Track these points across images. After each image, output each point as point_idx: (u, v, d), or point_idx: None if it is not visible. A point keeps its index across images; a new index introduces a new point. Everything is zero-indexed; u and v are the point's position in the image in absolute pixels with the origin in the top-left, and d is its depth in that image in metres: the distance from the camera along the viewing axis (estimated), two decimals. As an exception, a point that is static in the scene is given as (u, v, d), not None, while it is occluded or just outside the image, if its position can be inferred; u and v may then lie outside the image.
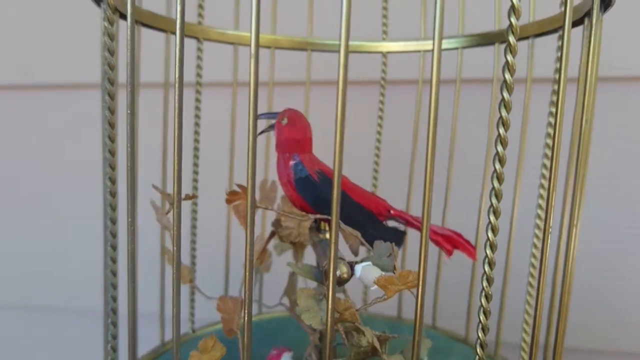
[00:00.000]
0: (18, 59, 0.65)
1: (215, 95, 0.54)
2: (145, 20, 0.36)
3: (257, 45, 0.21)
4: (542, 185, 0.37)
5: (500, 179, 0.22)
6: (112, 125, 0.26)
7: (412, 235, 0.38)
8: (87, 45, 0.58)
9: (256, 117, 0.24)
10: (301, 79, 0.50)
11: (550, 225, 0.23)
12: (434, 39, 0.21)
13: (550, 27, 0.36)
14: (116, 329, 0.30)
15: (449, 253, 0.37)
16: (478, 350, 0.23)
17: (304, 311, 0.29)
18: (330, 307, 0.23)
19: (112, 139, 0.26)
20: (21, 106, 0.68)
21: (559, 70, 0.25)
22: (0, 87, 0.68)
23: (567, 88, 0.24)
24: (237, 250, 0.39)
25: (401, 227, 0.38)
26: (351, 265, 0.30)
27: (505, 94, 0.21)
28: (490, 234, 0.22)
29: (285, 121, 0.35)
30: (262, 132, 0.36)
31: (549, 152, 0.36)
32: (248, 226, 0.23)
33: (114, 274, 0.27)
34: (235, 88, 0.45)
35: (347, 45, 0.21)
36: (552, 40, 0.38)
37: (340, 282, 0.29)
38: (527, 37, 0.38)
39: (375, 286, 0.29)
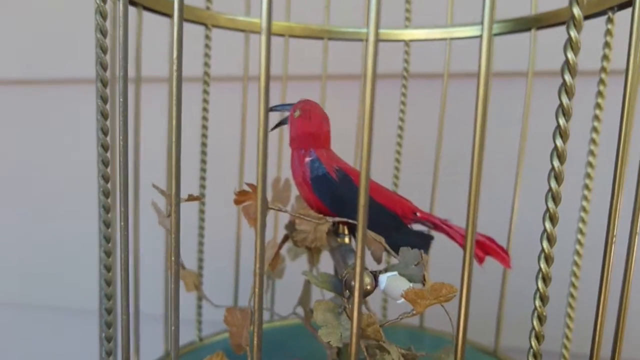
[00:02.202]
0: (20, 53, 0.63)
1: (224, 88, 0.51)
2: (147, 3, 0.33)
3: (269, 22, 0.18)
4: (586, 186, 0.33)
5: (558, 179, 0.18)
6: (105, 115, 0.23)
7: (438, 239, 0.34)
8: (88, 39, 0.55)
9: (267, 109, 0.20)
10: (317, 72, 0.46)
11: (615, 234, 0.20)
12: (483, 24, 0.17)
13: (597, 9, 0.32)
14: (112, 344, 0.27)
15: (481, 260, 0.33)
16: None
17: (322, 327, 0.26)
18: (355, 327, 0.20)
19: (104, 132, 0.23)
20: (22, 101, 0.65)
21: (627, 60, 0.22)
22: (2, 82, 0.65)
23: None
24: (247, 254, 0.36)
25: (427, 230, 0.34)
26: (375, 276, 0.26)
27: (568, 77, 0.18)
28: (545, 244, 0.19)
29: (298, 113, 0.31)
30: (275, 127, 0.33)
31: (594, 149, 0.33)
32: (258, 232, 0.20)
33: (108, 283, 0.24)
34: (245, 80, 0.41)
35: (376, 34, 0.17)
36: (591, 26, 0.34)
37: (364, 294, 0.26)
38: (562, 23, 0.35)
39: (402, 300, 0.25)
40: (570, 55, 0.18)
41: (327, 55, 0.44)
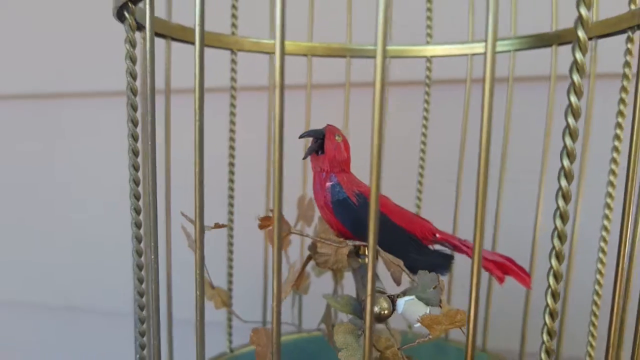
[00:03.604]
0: (43, 67, 0.66)
1: (252, 104, 0.53)
2: (176, 35, 0.35)
3: (282, 64, 0.19)
4: (609, 194, 0.33)
5: (568, 177, 0.18)
6: (135, 138, 0.24)
7: (460, 259, 0.35)
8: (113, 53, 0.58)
9: (281, 143, 0.21)
10: (340, 82, 0.47)
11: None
12: (486, 42, 0.18)
13: (617, 29, 0.32)
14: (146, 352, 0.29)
15: (501, 280, 0.34)
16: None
17: (341, 349, 0.27)
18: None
19: (135, 153, 0.24)
20: (47, 114, 0.69)
21: None
22: (25, 96, 0.69)
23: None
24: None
25: (447, 250, 0.35)
26: (393, 300, 0.27)
27: (574, 99, 0.18)
28: (554, 262, 0.19)
29: (340, 138, 0.32)
30: (307, 154, 0.33)
31: (617, 156, 0.33)
32: (275, 263, 0.21)
33: (141, 294, 0.26)
34: (271, 100, 0.43)
35: (384, 54, 0.18)
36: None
37: (381, 319, 0.27)
38: (590, 38, 0.35)
39: (419, 325, 0.26)
40: (576, 77, 0.18)
41: (349, 72, 0.45)
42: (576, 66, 0.18)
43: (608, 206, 0.33)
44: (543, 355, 0.19)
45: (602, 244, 0.33)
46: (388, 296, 0.27)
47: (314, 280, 0.42)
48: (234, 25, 0.40)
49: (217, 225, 0.28)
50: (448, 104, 0.49)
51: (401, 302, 0.27)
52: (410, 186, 0.47)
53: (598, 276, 0.34)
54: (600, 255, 0.33)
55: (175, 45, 0.36)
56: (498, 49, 0.40)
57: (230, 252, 0.43)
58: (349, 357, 0.27)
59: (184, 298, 0.38)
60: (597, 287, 0.34)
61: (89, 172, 0.68)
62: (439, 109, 0.49)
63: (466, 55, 0.42)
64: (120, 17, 0.26)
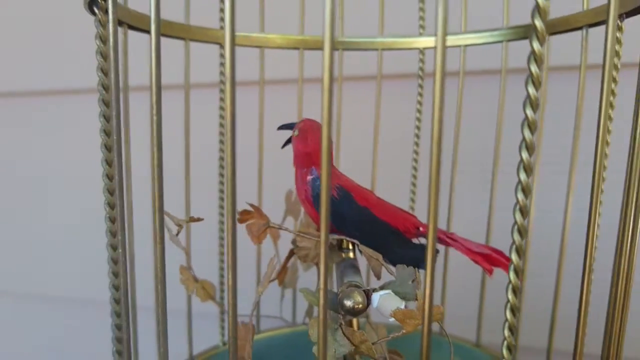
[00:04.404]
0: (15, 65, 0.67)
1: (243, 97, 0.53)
2: (162, 30, 0.35)
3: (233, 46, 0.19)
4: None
5: (527, 170, 0.18)
6: (107, 133, 0.24)
7: (455, 255, 0.34)
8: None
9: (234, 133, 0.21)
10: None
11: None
12: (437, 35, 0.17)
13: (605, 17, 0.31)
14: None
15: (489, 272, 0.33)
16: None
17: (316, 343, 0.27)
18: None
19: (108, 149, 0.25)
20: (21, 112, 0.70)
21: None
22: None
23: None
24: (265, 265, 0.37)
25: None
26: (367, 294, 0.27)
27: (532, 90, 0.18)
28: (514, 256, 0.19)
29: (296, 133, 0.32)
30: (285, 144, 0.34)
31: (606, 149, 0.32)
32: (229, 252, 0.21)
33: (117, 301, 0.26)
34: (262, 93, 0.43)
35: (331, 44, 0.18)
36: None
37: (355, 312, 0.27)
38: (580, 28, 0.34)
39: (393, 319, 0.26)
40: (533, 68, 0.18)
41: (342, 65, 0.44)
42: (534, 57, 0.18)
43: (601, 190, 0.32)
44: (505, 352, 0.19)
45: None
46: (363, 290, 0.27)
47: (309, 274, 0.42)
48: (222, 19, 0.40)
49: (192, 219, 0.28)
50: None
51: (376, 297, 0.27)
52: (405, 180, 0.47)
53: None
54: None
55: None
56: (489, 40, 0.40)
57: (222, 245, 0.43)
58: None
59: (178, 291, 0.39)
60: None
61: (64, 167, 0.69)
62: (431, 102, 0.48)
63: (459, 46, 0.42)
64: (93, 11, 0.26)
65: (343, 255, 0.33)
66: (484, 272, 0.43)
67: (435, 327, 0.47)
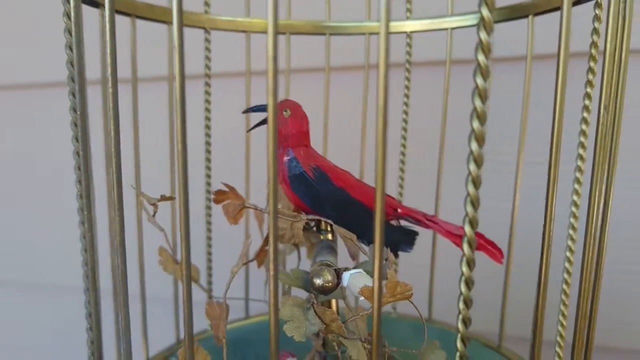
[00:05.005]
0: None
1: (227, 86, 0.53)
2: (141, 13, 0.35)
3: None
4: (577, 180, 0.32)
5: (477, 162, 0.18)
6: (77, 125, 0.25)
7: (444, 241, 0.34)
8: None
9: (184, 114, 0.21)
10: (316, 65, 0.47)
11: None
12: (380, 16, 0.17)
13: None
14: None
15: (470, 255, 0.33)
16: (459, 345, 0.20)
17: (287, 321, 0.27)
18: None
19: (79, 141, 0.25)
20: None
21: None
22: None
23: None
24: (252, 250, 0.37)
25: (412, 226, 0.34)
26: (338, 273, 0.27)
27: (480, 81, 0.17)
28: (468, 228, 0.18)
29: (288, 113, 0.32)
30: (254, 126, 0.34)
31: (584, 141, 0.31)
32: (182, 230, 0.21)
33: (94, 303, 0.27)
34: (249, 79, 0.43)
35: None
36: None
37: (325, 291, 0.27)
38: (557, 8, 0.33)
39: (361, 296, 0.26)
40: (481, 58, 0.17)
41: (328, 50, 0.44)
42: (481, 46, 0.17)
43: (578, 181, 0.32)
44: (460, 325, 0.19)
45: (572, 220, 0.32)
46: (335, 269, 0.27)
47: (295, 256, 0.42)
48: (206, 4, 0.40)
49: (164, 198, 0.28)
50: (429, 84, 0.48)
51: (346, 275, 0.27)
52: (394, 168, 0.46)
53: (568, 253, 0.33)
54: (570, 232, 0.32)
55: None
56: (470, 22, 0.39)
57: (209, 230, 0.43)
58: (294, 329, 0.27)
59: (165, 277, 0.39)
60: (567, 264, 0.33)
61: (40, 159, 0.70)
62: (420, 87, 0.48)
63: (446, 29, 0.41)
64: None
65: (322, 236, 0.33)
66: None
67: (423, 311, 0.47)
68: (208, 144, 0.42)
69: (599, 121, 0.26)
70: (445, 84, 0.42)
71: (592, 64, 0.30)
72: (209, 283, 0.43)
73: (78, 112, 0.22)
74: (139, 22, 0.36)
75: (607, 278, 0.54)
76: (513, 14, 0.37)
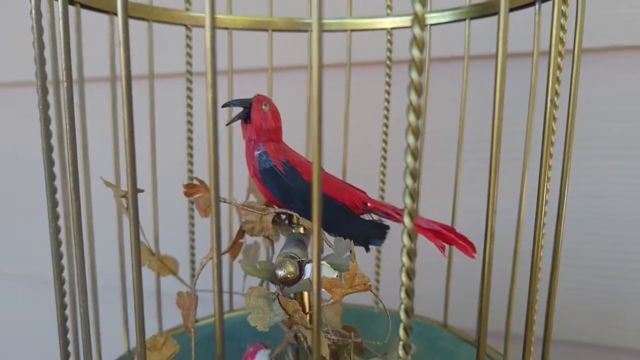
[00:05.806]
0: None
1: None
2: (84, 1, 0.34)
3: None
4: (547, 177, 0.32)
5: (414, 175, 0.18)
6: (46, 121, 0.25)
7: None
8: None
9: (215, 104, 0.22)
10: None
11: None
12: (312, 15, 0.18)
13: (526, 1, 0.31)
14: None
15: (442, 249, 0.33)
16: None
17: (251, 311, 0.27)
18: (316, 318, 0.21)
19: (48, 137, 0.25)
20: None
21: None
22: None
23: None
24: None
25: (384, 220, 0.35)
26: (301, 265, 0.28)
27: (414, 75, 0.18)
28: (407, 220, 0.19)
29: (267, 107, 0.33)
30: (231, 121, 0.34)
31: (552, 137, 0.31)
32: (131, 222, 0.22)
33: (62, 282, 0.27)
34: (231, 76, 0.43)
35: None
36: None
37: (287, 282, 0.27)
38: (533, 3, 0.33)
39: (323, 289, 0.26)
40: (415, 52, 0.18)
41: (271, 47, 0.44)
42: (415, 41, 0.18)
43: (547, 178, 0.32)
44: (402, 315, 0.19)
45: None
46: (298, 261, 0.28)
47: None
48: (187, 1, 0.41)
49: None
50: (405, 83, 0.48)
51: (308, 267, 0.27)
52: (375, 167, 0.47)
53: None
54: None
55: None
56: (452, 18, 0.40)
57: (192, 224, 0.44)
58: (257, 320, 0.27)
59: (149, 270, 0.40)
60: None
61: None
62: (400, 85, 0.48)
63: (426, 25, 0.41)
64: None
65: (293, 230, 0.33)
66: (451, 255, 0.43)
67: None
68: (190, 139, 0.42)
69: (545, 115, 0.26)
70: (426, 80, 0.42)
71: (559, 60, 0.30)
72: (192, 276, 0.44)
73: (40, 106, 0.23)
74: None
75: (603, 275, 0.54)
76: (489, 10, 0.37)
